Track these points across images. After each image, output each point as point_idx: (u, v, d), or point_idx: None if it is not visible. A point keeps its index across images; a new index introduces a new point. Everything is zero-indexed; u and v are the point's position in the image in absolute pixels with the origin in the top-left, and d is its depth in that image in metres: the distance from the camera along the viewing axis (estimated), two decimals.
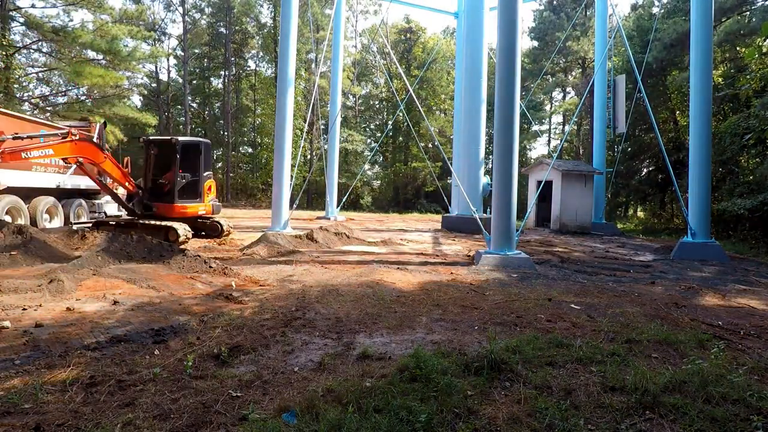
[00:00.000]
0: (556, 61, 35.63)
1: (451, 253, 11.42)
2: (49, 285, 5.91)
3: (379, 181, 40.65)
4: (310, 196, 36.96)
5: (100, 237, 8.71)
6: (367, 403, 3.06)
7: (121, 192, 11.65)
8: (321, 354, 4.07)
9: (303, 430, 2.77)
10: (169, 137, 11.66)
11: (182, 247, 9.26)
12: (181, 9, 36.86)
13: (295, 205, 14.29)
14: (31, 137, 8.55)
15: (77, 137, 9.04)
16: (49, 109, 25.28)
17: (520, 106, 14.43)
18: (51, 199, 11.47)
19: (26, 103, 24.90)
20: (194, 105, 40.56)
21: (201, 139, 12.57)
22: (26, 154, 8.25)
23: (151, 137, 12.03)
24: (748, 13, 19.34)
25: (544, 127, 40.53)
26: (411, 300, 6.25)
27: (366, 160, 35.41)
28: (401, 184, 38.16)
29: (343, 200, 24.65)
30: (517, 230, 10.18)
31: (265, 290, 6.54)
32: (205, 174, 12.03)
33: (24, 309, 5.03)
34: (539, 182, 16.02)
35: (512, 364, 3.77)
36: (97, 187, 13.40)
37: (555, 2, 36.46)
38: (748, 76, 13.15)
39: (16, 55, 22.97)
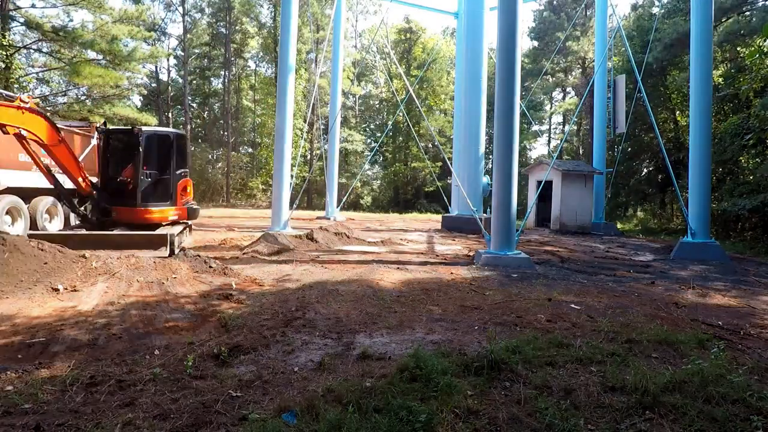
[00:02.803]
0: (556, 61, 35.60)
1: (451, 253, 11.42)
2: (48, 283, 5.91)
3: (379, 181, 40.63)
4: (310, 196, 36.97)
5: None
6: (367, 403, 3.06)
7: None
8: (321, 354, 4.07)
9: (303, 430, 2.77)
10: (131, 127, 9.65)
11: (182, 246, 9.23)
12: (181, 9, 36.87)
13: (295, 205, 14.30)
14: None
15: (27, 104, 7.85)
16: (49, 109, 25.25)
17: (520, 106, 14.44)
18: (51, 199, 11.45)
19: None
20: (194, 105, 40.55)
21: (172, 130, 10.46)
22: None
23: (110, 127, 9.97)
24: (748, 13, 19.34)
25: (544, 127, 40.55)
26: (411, 300, 6.25)
27: (366, 160, 35.40)
28: (401, 184, 38.15)
29: (343, 200, 24.65)
30: (517, 230, 10.17)
31: (265, 290, 6.54)
32: (177, 172, 9.92)
33: (22, 307, 5.03)
34: (539, 182, 16.03)
35: (512, 364, 3.77)
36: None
37: (555, 2, 36.45)
38: (748, 77, 13.17)
39: (16, 55, 22.95)
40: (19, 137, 7.82)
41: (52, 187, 11.35)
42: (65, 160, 8.52)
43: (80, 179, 8.92)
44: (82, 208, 9.26)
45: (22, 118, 7.69)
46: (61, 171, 8.79)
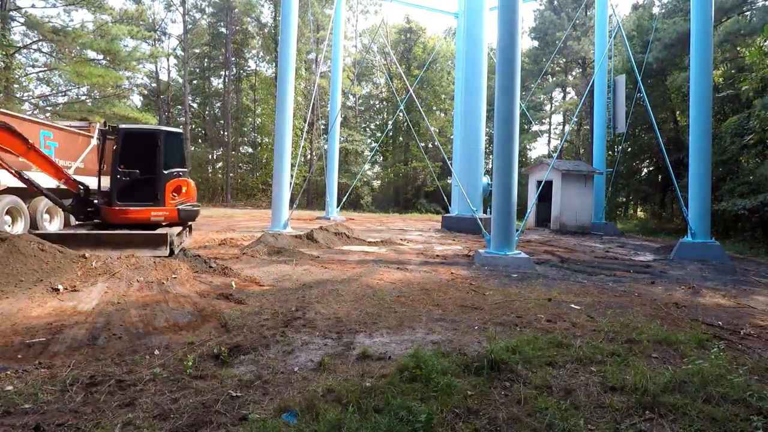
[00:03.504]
0: (556, 61, 35.57)
1: (451, 253, 11.43)
2: (48, 283, 5.91)
3: (379, 181, 40.63)
4: (310, 196, 36.96)
5: None
6: (367, 403, 3.06)
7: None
8: (321, 354, 4.07)
9: (303, 430, 2.77)
10: (114, 125, 9.17)
11: (183, 247, 9.22)
12: (181, 9, 36.86)
13: (295, 205, 14.30)
14: None
15: None
16: (49, 109, 25.28)
17: (520, 106, 14.44)
18: None
19: (26, 103, 24.91)
20: (194, 105, 40.54)
21: (160, 128, 9.77)
22: None
23: (108, 126, 9.56)
24: (748, 13, 19.34)
25: (544, 127, 40.49)
26: (411, 300, 6.25)
27: (366, 160, 35.40)
28: (401, 184, 38.15)
29: (343, 200, 24.65)
30: (517, 230, 10.18)
31: (265, 290, 6.54)
32: (167, 172, 9.27)
33: (22, 307, 5.03)
34: (539, 182, 16.04)
35: (512, 364, 3.77)
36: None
37: (555, 2, 36.43)
38: (749, 76, 13.17)
39: (16, 55, 22.97)
40: None
41: (52, 187, 11.33)
42: (40, 164, 8.70)
43: (61, 181, 8.90)
44: (70, 207, 9.22)
45: None
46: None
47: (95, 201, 9.36)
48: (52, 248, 6.81)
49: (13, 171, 8.62)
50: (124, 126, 9.21)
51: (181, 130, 10.21)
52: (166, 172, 9.25)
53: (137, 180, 8.98)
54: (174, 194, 9.43)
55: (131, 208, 8.94)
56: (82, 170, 12.91)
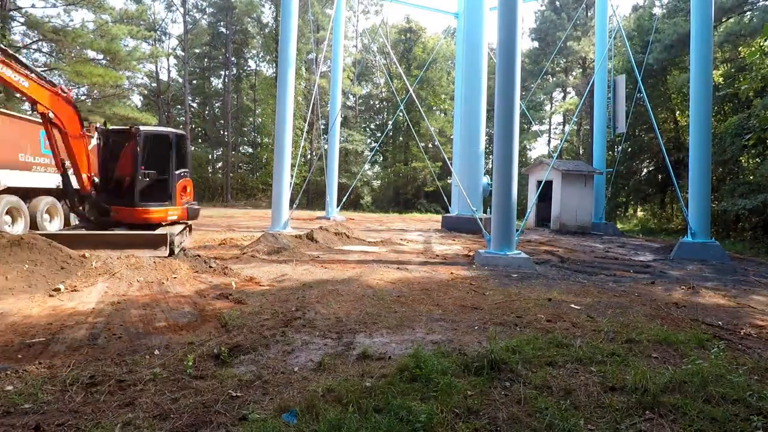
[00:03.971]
0: (556, 62, 35.59)
1: (451, 253, 11.42)
2: (48, 283, 5.91)
3: (379, 181, 40.62)
4: (310, 196, 36.95)
5: None
6: (367, 403, 3.06)
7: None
8: (321, 354, 4.07)
9: (303, 430, 2.77)
10: (129, 126, 9.44)
11: (182, 246, 9.23)
12: (181, 9, 36.86)
13: (295, 205, 14.29)
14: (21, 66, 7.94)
15: (64, 95, 8.22)
16: None
17: (520, 106, 14.44)
18: (51, 199, 11.46)
19: (26, 103, 24.88)
20: (194, 105, 40.54)
21: (172, 130, 10.16)
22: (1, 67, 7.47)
23: (109, 127, 9.78)
24: (748, 13, 19.33)
25: (544, 127, 40.49)
26: (411, 300, 6.25)
27: (366, 160, 35.39)
28: (401, 184, 38.14)
29: (343, 200, 24.65)
30: (517, 230, 10.18)
31: (265, 290, 6.54)
32: (177, 172, 9.69)
33: (22, 307, 5.03)
34: (539, 182, 16.03)
35: (512, 364, 3.77)
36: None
37: (557, 2, 36.46)
38: (748, 76, 13.19)
39: (16, 55, 22.95)
40: (45, 119, 8.13)
41: (52, 186, 11.31)
42: (79, 154, 8.63)
43: (85, 176, 8.86)
44: (81, 207, 9.15)
45: (54, 103, 8.09)
46: (70, 164, 8.82)
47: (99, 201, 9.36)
48: (52, 248, 6.81)
49: (58, 155, 8.60)
50: (144, 128, 9.39)
51: (185, 132, 10.39)
52: (176, 172, 9.62)
53: (154, 180, 9.24)
54: (181, 194, 9.84)
55: (152, 208, 9.13)
56: None
